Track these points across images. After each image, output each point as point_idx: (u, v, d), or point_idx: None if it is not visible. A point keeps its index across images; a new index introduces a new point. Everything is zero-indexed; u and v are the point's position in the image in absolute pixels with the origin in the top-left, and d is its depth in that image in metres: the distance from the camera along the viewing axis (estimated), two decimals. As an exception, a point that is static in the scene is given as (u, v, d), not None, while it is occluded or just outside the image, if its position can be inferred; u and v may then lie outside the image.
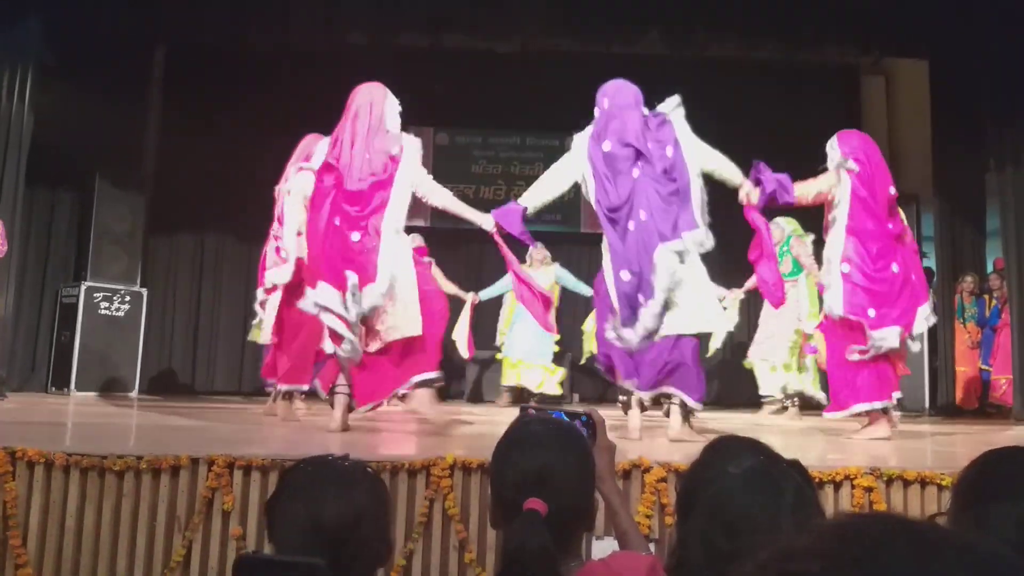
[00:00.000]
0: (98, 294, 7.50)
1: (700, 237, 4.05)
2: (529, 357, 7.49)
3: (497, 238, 4.35)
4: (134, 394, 7.55)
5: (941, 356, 7.67)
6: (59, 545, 2.88)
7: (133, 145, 8.19)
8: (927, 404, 7.58)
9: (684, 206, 4.06)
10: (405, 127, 9.58)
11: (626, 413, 4.34)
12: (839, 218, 4.59)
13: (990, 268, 8.02)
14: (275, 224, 5.23)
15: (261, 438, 4.26)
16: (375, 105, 4.43)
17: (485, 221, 4.34)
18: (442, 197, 4.36)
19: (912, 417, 6.85)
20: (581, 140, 4.40)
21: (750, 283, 6.42)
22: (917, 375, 6.95)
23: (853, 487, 2.96)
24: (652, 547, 1.70)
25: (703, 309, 4.11)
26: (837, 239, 4.58)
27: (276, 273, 4.98)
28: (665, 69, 8.45)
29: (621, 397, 4.54)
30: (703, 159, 4.19)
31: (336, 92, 8.28)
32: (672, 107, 4.31)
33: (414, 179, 4.25)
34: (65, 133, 7.43)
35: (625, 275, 4.08)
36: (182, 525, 2.90)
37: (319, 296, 4.06)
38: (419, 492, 2.96)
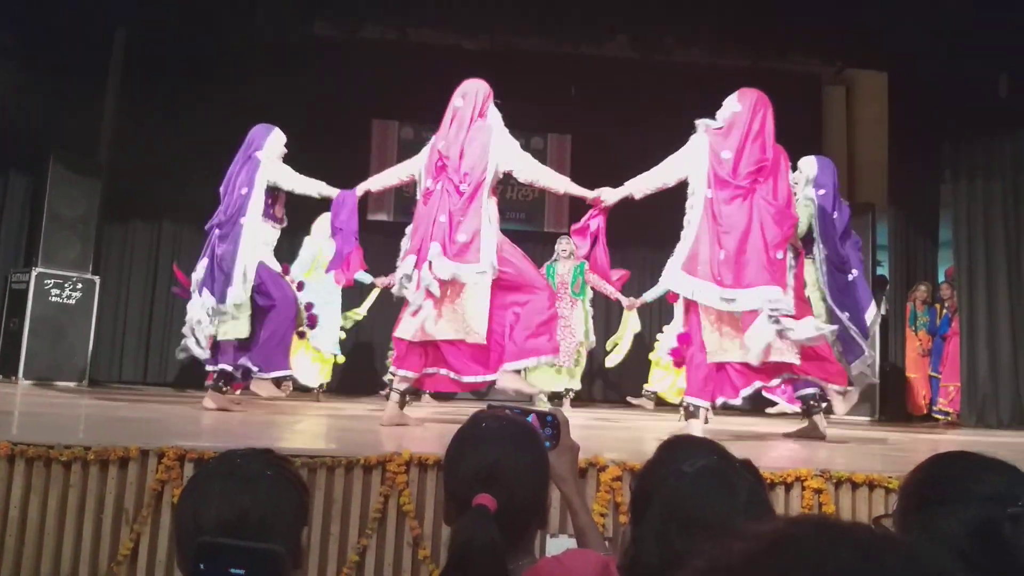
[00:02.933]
0: (49, 280, 7.33)
1: None
2: None
3: None
4: (84, 383, 7.39)
5: (892, 363, 7.85)
6: (1, 537, 2.80)
7: (89, 129, 8.01)
8: (877, 409, 7.75)
9: None
10: (370, 120, 9.49)
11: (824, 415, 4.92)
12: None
13: (942, 277, 8.23)
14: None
15: (213, 430, 4.19)
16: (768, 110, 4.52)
17: None
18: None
19: (862, 421, 7.00)
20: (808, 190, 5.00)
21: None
22: (868, 381, 7.12)
23: (803, 488, 3.01)
24: (607, 546, 1.71)
25: None
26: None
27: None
28: (631, 73, 8.54)
29: (812, 403, 4.89)
30: None
31: (299, 82, 8.29)
32: None
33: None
34: (19, 114, 7.26)
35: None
36: (130, 518, 2.84)
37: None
38: (374, 488, 2.94)
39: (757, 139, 4.30)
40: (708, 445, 1.25)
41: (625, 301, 7.57)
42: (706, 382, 4.22)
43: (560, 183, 4.74)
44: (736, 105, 4.42)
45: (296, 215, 5.65)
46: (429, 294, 4.39)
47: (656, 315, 8.08)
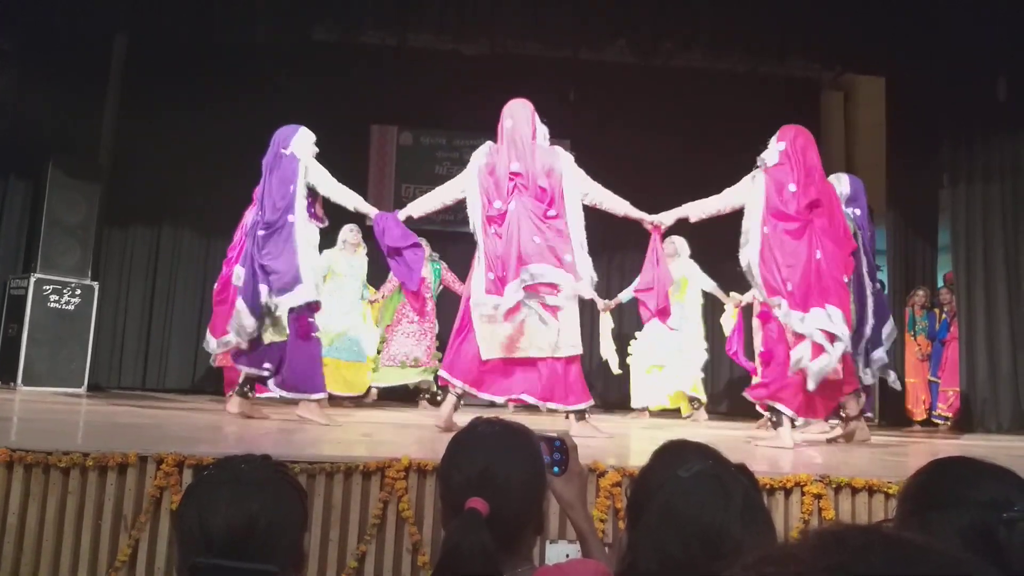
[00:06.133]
0: (48, 287, 7.32)
1: None
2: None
3: None
4: (83, 390, 7.38)
5: (891, 367, 7.83)
6: (-1, 543, 2.80)
7: (89, 134, 8.01)
8: (877, 414, 7.74)
9: None
10: (369, 124, 9.49)
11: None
12: None
13: (941, 282, 8.22)
14: None
15: (212, 436, 4.19)
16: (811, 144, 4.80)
17: None
18: None
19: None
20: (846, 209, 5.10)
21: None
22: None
23: (803, 494, 3.01)
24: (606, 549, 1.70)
25: None
26: None
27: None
28: (630, 77, 8.55)
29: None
30: None
31: (300, 88, 8.30)
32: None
33: None
34: (18, 119, 7.26)
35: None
36: (128, 524, 2.84)
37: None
38: (373, 494, 2.93)
39: (811, 174, 4.59)
40: (703, 450, 1.25)
41: (600, 303, 7.60)
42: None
43: (621, 207, 4.84)
44: (781, 144, 4.65)
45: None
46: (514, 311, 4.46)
47: (630, 316, 8.14)
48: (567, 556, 2.22)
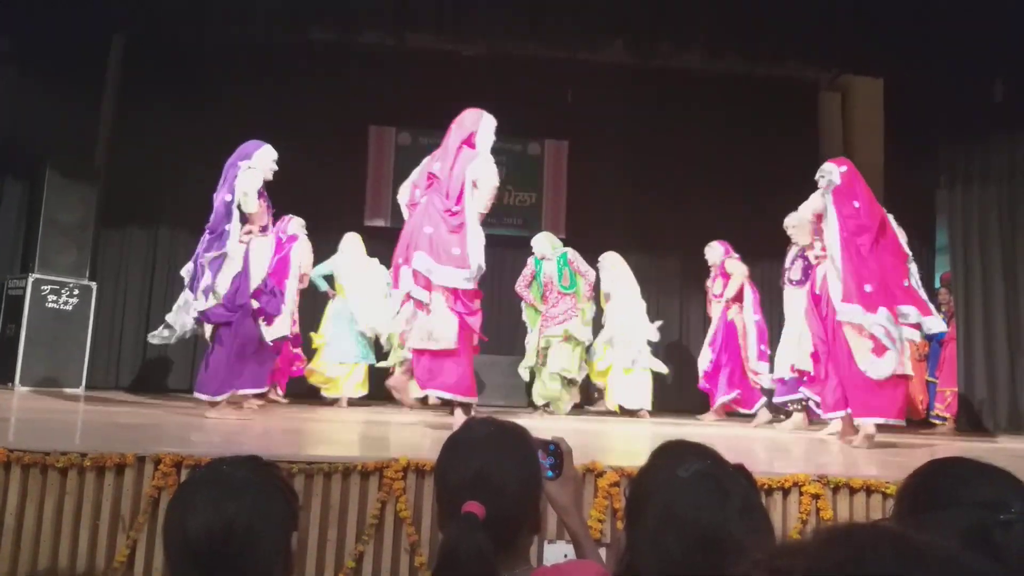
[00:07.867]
0: (46, 287, 7.31)
1: None
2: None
3: None
4: (80, 390, 7.37)
5: (889, 368, 7.84)
6: (-4, 543, 2.79)
7: (86, 135, 8.01)
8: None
9: None
10: (368, 125, 9.50)
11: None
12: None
13: (938, 283, 8.24)
14: None
15: (209, 437, 4.18)
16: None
17: None
18: None
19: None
20: None
21: None
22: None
23: (801, 494, 3.01)
24: (603, 552, 1.70)
25: None
26: None
27: None
28: (629, 78, 8.56)
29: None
30: None
31: (297, 88, 8.30)
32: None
33: None
34: (15, 120, 7.25)
35: None
36: (126, 525, 2.84)
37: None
38: (371, 494, 2.93)
39: (871, 195, 5.02)
40: (702, 450, 1.25)
41: None
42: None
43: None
44: (843, 167, 5.01)
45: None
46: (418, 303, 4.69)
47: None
48: (565, 556, 2.23)
